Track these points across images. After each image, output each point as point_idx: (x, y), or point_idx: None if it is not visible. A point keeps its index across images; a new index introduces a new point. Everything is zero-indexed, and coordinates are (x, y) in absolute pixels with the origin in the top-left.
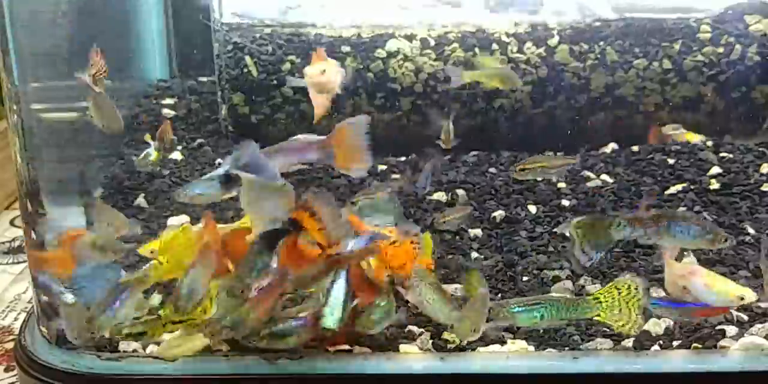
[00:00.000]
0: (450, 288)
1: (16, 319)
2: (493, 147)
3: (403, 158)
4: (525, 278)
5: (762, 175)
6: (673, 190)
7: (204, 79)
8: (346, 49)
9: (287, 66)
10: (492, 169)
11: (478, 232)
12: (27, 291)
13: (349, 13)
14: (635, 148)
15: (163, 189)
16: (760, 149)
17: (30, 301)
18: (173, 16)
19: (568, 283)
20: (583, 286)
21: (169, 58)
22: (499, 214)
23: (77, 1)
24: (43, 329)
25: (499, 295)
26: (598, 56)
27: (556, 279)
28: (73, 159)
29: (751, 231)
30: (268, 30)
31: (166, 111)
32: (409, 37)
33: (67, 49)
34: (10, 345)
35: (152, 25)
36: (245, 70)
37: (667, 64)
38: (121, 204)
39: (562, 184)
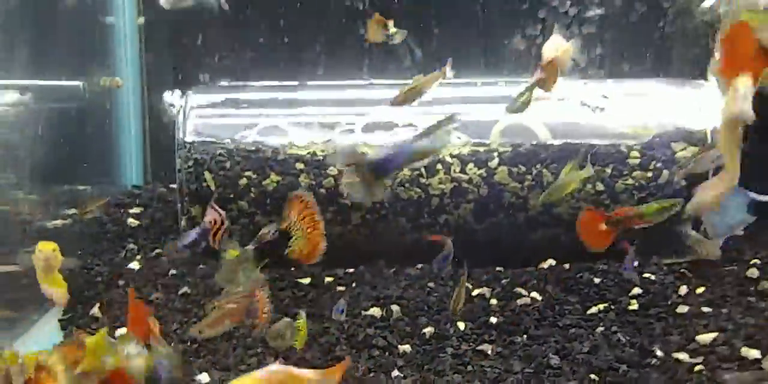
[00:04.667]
0: None
1: None
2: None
3: (351, 270)
4: None
5: (679, 296)
6: (594, 309)
7: (174, 185)
8: (300, 166)
9: (244, 181)
10: (431, 284)
11: (407, 348)
12: None
13: (305, 133)
14: (566, 266)
15: (118, 299)
16: (682, 270)
17: None
18: (150, 127)
19: None
20: None
21: (144, 165)
22: (428, 330)
23: (58, 107)
24: None
25: None
26: (536, 177)
27: None
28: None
29: (659, 353)
30: (229, 147)
31: (131, 221)
32: None
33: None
34: None
35: (131, 135)
36: (204, 184)
37: (600, 186)
38: (80, 313)
39: (495, 301)
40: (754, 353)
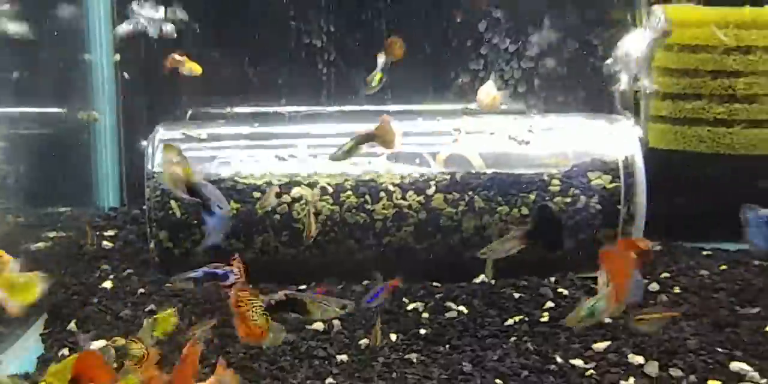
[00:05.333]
0: None
1: None
2: (384, 279)
3: (303, 286)
4: None
5: None
6: (510, 321)
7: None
8: (257, 194)
9: None
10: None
11: (344, 357)
12: None
13: (262, 164)
14: (493, 282)
15: (92, 316)
16: (592, 285)
17: None
18: (125, 150)
19: None
20: None
21: (120, 187)
22: (364, 342)
23: (42, 133)
24: None
25: None
26: (468, 203)
27: None
28: None
29: (559, 360)
30: None
31: (105, 243)
32: (311, 185)
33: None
34: None
35: (108, 160)
36: (170, 211)
37: (525, 210)
38: (59, 328)
39: (426, 315)
40: (639, 359)
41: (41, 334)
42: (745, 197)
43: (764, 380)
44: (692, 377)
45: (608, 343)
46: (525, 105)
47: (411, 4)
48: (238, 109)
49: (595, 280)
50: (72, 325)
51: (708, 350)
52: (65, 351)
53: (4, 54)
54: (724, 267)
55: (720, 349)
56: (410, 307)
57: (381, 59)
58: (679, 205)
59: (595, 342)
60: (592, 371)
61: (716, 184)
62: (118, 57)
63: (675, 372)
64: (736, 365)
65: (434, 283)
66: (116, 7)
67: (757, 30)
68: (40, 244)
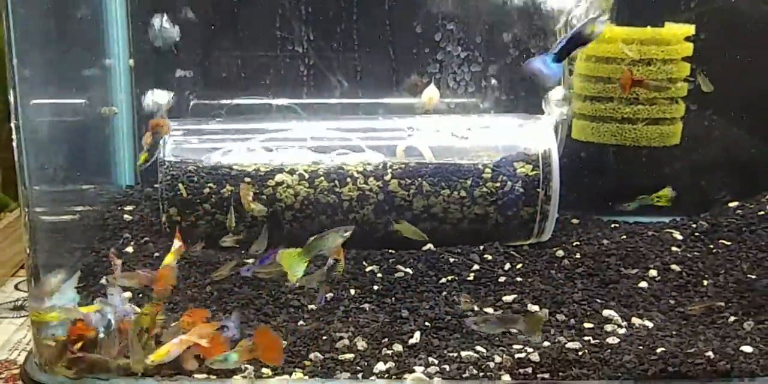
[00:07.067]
0: None
1: (19, 354)
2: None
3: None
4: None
5: (503, 270)
6: (444, 280)
7: (158, 185)
8: (248, 179)
9: (207, 190)
10: None
11: (313, 306)
12: (27, 336)
13: (252, 155)
14: (432, 248)
15: None
16: (512, 252)
17: (29, 343)
18: (138, 138)
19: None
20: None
21: (134, 169)
22: (329, 295)
23: (71, 120)
24: (36, 360)
25: None
26: (418, 187)
27: None
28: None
29: (476, 308)
30: (197, 165)
31: (126, 216)
32: (291, 172)
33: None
34: (16, 371)
35: (125, 144)
36: (178, 192)
37: (463, 193)
38: (91, 283)
39: (380, 275)
40: (535, 308)
41: (76, 287)
42: (647, 180)
43: (624, 322)
44: (572, 321)
45: (515, 295)
46: (479, 101)
47: (378, 20)
48: (234, 101)
49: (515, 247)
50: (103, 281)
51: (589, 301)
52: (96, 302)
53: (49, 58)
54: (624, 237)
55: (598, 301)
56: (368, 269)
57: (147, 140)
58: (595, 186)
59: (505, 295)
60: None
61: (624, 169)
62: (132, 62)
63: (560, 317)
64: (606, 312)
65: (389, 251)
66: (131, 21)
67: (656, 46)
68: (71, 216)
